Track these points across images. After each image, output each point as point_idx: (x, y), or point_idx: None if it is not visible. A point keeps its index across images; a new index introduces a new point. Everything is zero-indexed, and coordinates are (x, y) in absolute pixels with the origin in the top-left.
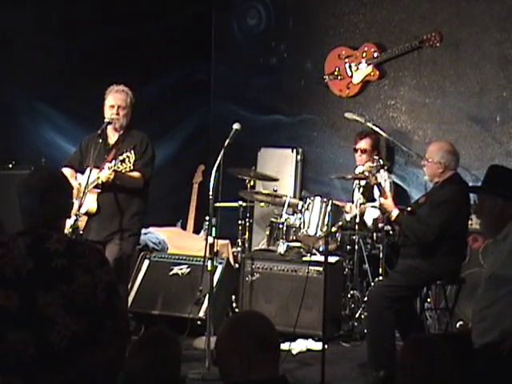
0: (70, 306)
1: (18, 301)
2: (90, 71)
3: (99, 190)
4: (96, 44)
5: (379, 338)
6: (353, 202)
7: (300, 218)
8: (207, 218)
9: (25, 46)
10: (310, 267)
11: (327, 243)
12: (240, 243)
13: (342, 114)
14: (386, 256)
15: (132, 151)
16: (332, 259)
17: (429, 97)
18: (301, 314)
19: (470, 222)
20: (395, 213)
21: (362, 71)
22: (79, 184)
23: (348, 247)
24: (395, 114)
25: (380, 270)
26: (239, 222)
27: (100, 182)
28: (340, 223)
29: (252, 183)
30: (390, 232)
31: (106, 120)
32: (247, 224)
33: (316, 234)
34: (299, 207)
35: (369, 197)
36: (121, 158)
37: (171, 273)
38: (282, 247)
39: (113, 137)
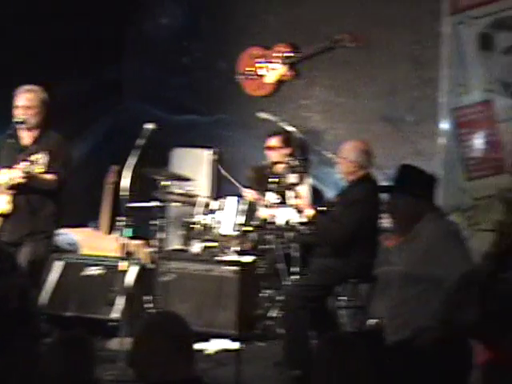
0: None
1: None
2: (0, 71)
3: (13, 191)
4: (6, 44)
5: (294, 337)
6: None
7: (214, 218)
8: (121, 218)
9: None
10: (225, 267)
11: (242, 243)
12: (154, 243)
13: (256, 113)
14: (301, 255)
15: (46, 152)
16: (246, 259)
17: (342, 97)
18: (216, 314)
19: (382, 221)
20: (309, 212)
21: (275, 71)
22: None
23: (262, 246)
24: (308, 114)
25: (294, 269)
26: (153, 222)
27: (12, 183)
28: (254, 223)
29: (166, 183)
30: (305, 231)
31: (14, 120)
32: (162, 224)
33: (230, 233)
34: (214, 207)
35: (284, 196)
36: (33, 158)
37: (84, 274)
38: (196, 247)
39: (26, 137)
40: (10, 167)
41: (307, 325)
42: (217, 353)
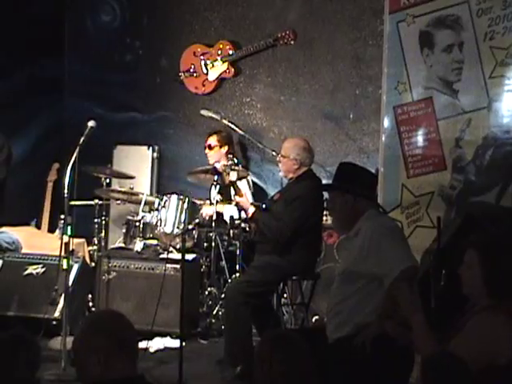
0: None
1: None
2: None
3: None
4: None
5: (236, 333)
6: (210, 200)
7: (157, 216)
8: (62, 216)
9: None
10: (167, 265)
11: (184, 240)
12: (96, 242)
13: (198, 111)
14: (243, 253)
15: None
16: (189, 256)
17: (284, 94)
18: (158, 312)
19: (324, 218)
20: (251, 210)
21: (217, 68)
22: None
23: (205, 244)
24: (251, 111)
25: (237, 266)
26: (95, 220)
27: None
28: (197, 220)
29: (108, 181)
30: (247, 229)
31: None
32: (103, 222)
33: (173, 231)
34: (156, 205)
35: (227, 194)
36: None
37: (25, 273)
38: (138, 245)
39: None
40: None
41: (249, 321)
42: (159, 351)
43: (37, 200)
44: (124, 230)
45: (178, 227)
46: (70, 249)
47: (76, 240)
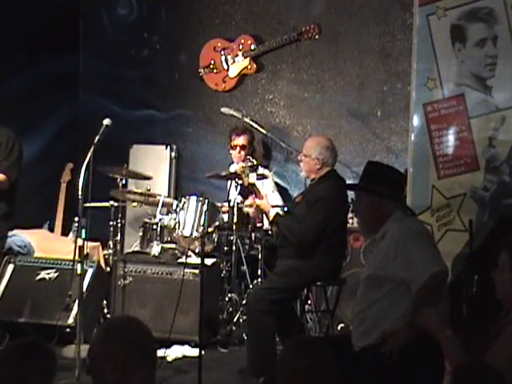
0: None
1: None
2: None
3: None
4: None
5: (259, 342)
6: (229, 202)
7: (175, 218)
8: (76, 218)
9: None
10: (186, 270)
11: (203, 244)
12: (111, 245)
13: (218, 109)
14: (265, 257)
15: None
16: (209, 261)
17: (308, 91)
18: (176, 319)
19: (350, 221)
20: (272, 213)
21: (238, 64)
22: None
23: (225, 248)
24: (273, 109)
25: (259, 271)
26: (110, 222)
27: None
28: (217, 223)
29: (124, 182)
30: (269, 232)
31: None
32: (119, 225)
33: (192, 234)
34: (174, 207)
35: (248, 196)
36: None
37: (38, 278)
38: (156, 249)
39: None
40: None
41: (272, 330)
42: (177, 359)
43: (50, 202)
44: (140, 233)
45: (197, 230)
46: (85, 253)
47: (90, 243)
